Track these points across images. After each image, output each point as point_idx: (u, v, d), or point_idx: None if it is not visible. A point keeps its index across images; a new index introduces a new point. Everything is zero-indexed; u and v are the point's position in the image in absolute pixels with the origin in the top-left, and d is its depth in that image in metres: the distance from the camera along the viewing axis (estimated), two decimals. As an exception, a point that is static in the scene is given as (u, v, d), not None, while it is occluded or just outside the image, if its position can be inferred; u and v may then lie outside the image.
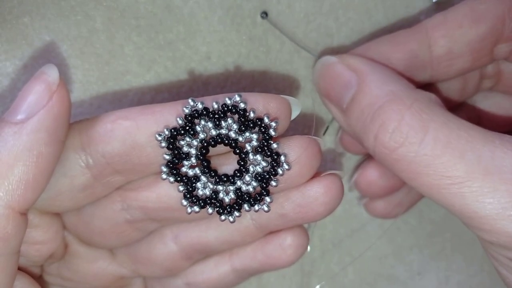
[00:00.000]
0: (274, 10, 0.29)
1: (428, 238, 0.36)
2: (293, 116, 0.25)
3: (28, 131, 0.22)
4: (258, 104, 0.24)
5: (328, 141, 0.33)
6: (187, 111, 0.24)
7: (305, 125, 0.32)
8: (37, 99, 0.22)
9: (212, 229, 0.28)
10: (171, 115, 0.24)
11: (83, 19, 0.29)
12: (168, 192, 0.26)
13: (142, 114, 0.24)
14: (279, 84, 0.31)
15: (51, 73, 0.23)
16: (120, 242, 0.28)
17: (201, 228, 0.28)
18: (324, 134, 0.30)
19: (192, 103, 0.24)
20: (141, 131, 0.24)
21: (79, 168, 0.25)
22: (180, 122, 0.24)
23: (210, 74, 0.30)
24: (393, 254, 0.35)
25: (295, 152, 0.24)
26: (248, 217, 0.27)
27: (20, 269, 0.27)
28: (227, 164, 0.26)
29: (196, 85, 0.30)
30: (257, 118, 0.24)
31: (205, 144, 0.24)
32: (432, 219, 0.35)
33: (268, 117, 0.24)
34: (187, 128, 0.24)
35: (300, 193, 0.25)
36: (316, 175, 0.25)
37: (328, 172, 0.26)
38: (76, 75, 0.29)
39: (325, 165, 0.33)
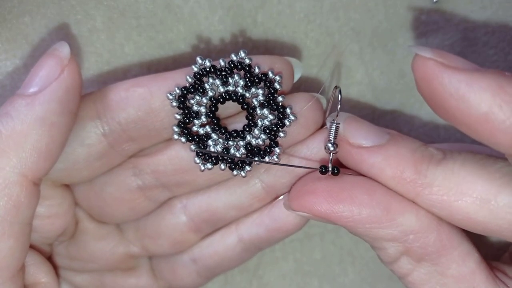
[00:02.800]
0: (275, 10, 0.29)
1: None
2: (296, 77, 0.27)
3: (40, 102, 0.23)
4: (264, 65, 0.25)
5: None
6: (195, 69, 0.25)
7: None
8: (49, 73, 0.23)
9: (221, 195, 0.28)
10: (182, 79, 0.25)
11: (83, 18, 0.29)
12: (179, 153, 0.27)
13: (155, 80, 0.25)
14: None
15: (63, 49, 0.24)
16: (130, 214, 0.29)
17: (210, 195, 0.29)
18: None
19: (200, 61, 0.25)
20: (154, 97, 0.25)
21: (96, 136, 0.26)
22: (189, 80, 0.25)
23: (210, 73, 0.30)
24: (393, 254, 0.35)
25: (299, 105, 0.26)
26: (255, 178, 0.28)
27: (32, 247, 0.28)
28: (236, 122, 0.27)
29: (197, 85, 0.30)
30: (262, 73, 0.25)
31: (214, 102, 0.25)
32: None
33: (272, 72, 0.25)
34: (196, 86, 0.25)
35: (305, 145, 0.27)
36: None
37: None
38: (76, 75, 0.29)
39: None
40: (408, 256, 0.25)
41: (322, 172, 0.26)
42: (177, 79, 0.25)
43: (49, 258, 0.30)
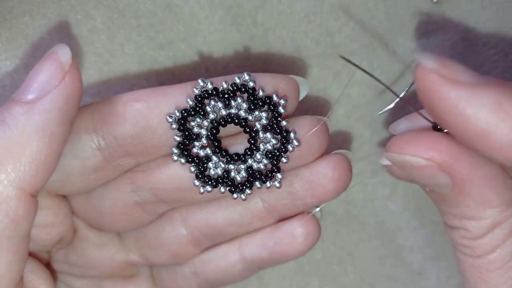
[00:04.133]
0: (275, 10, 0.29)
1: (429, 238, 0.36)
2: (301, 96, 0.26)
3: (40, 111, 0.22)
4: (268, 85, 0.25)
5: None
6: (197, 91, 0.24)
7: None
8: (49, 79, 0.22)
9: (221, 210, 0.28)
10: (182, 95, 0.25)
11: (83, 18, 0.29)
12: (179, 173, 0.26)
13: (154, 95, 0.25)
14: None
15: (64, 53, 0.23)
16: (129, 225, 0.29)
17: (210, 210, 0.28)
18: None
19: (202, 84, 0.24)
20: (152, 113, 0.24)
21: (91, 150, 0.25)
22: (190, 103, 0.24)
23: (211, 73, 0.30)
24: (393, 254, 0.35)
25: (304, 130, 0.25)
26: (257, 197, 0.27)
27: (29, 254, 0.27)
28: (237, 144, 0.26)
29: (197, 85, 0.30)
30: (266, 96, 0.24)
31: (216, 124, 0.25)
32: (433, 220, 0.35)
33: (277, 95, 0.24)
34: (197, 108, 0.24)
35: (309, 169, 0.26)
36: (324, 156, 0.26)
37: (336, 152, 0.26)
38: (76, 75, 0.29)
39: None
40: (500, 228, 0.23)
41: (436, 129, 0.23)
42: (177, 94, 0.25)
43: (48, 264, 0.29)
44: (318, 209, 0.28)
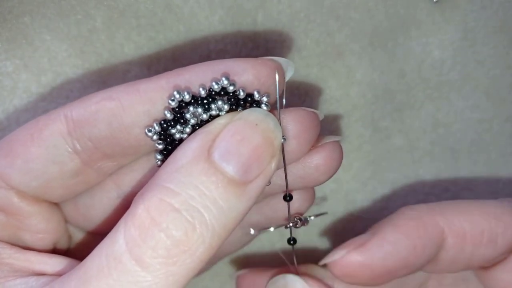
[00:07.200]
0: (275, 9, 0.29)
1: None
2: (287, 77, 0.25)
3: None
4: (248, 74, 0.23)
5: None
6: (173, 104, 0.23)
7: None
8: None
9: None
10: (155, 91, 0.23)
11: (83, 18, 0.29)
12: None
13: (127, 93, 0.23)
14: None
15: None
16: None
17: None
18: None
19: (178, 96, 0.23)
20: (126, 112, 0.23)
21: (67, 154, 0.24)
22: (168, 115, 0.23)
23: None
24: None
25: (291, 126, 0.24)
26: None
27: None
28: None
29: (197, 85, 0.30)
30: (247, 95, 0.23)
31: (198, 129, 0.24)
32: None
33: (258, 92, 0.23)
34: (176, 119, 0.23)
35: (301, 165, 0.25)
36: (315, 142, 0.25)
37: (327, 141, 0.25)
38: (76, 75, 0.29)
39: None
40: None
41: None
42: (150, 91, 0.23)
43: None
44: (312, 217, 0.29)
